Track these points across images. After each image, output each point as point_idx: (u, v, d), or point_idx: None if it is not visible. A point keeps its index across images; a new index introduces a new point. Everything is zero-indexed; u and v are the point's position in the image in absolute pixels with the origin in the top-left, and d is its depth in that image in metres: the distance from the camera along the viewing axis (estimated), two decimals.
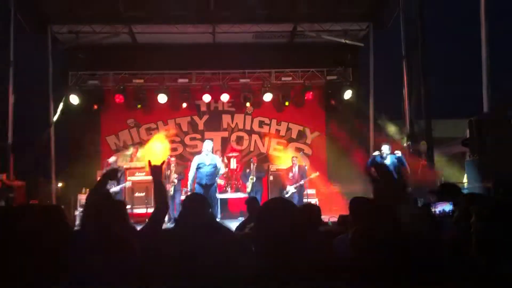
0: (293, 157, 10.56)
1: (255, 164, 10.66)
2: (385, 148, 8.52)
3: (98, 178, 3.14)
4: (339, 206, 12.02)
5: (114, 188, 8.97)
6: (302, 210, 4.03)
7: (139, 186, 10.14)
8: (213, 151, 10.82)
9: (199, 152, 9.12)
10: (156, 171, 3.03)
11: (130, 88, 12.09)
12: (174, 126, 12.79)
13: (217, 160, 8.63)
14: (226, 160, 11.49)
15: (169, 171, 10.11)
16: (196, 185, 8.47)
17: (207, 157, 8.38)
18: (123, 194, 9.73)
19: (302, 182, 10.12)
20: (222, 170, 8.94)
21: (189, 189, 10.59)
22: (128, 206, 10.23)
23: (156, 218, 2.80)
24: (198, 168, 8.38)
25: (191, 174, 8.74)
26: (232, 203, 11.62)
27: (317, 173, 10.27)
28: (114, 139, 12.58)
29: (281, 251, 1.78)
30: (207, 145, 8.44)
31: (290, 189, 10.21)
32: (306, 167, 10.22)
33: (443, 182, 7.96)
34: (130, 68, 11.96)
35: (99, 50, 11.57)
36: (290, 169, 10.42)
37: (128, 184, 9.46)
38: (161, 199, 2.88)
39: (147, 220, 2.85)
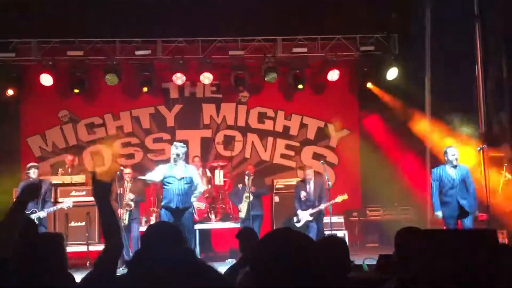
0: (306, 166, 10.58)
1: (252, 176, 10.68)
2: (452, 152, 8.52)
3: (14, 201, 3.09)
4: (378, 241, 12.17)
5: (39, 213, 8.99)
6: (320, 248, 4.06)
7: (77, 211, 10.15)
8: (188, 159, 10.89)
9: (167, 161, 9.14)
10: (101, 190, 2.97)
11: (63, 64, 12.12)
12: (129, 122, 12.83)
13: (194, 172, 8.64)
14: (208, 173, 11.50)
15: (121, 189, 10.09)
16: (162, 210, 8.49)
17: (179, 167, 8.39)
18: (50, 223, 9.73)
19: (322, 206, 10.14)
20: (202, 187, 8.94)
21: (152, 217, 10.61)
22: None
23: (105, 263, 2.80)
24: (165, 184, 8.39)
25: (148, 177, 8.74)
26: (218, 236, 11.63)
27: (346, 196, 10.23)
28: (39, 140, 12.65)
29: None
30: (179, 150, 8.45)
31: (304, 216, 10.23)
32: (329, 183, 10.19)
33: None
34: (63, 34, 12.00)
35: (15, 6, 11.59)
36: (303, 185, 10.44)
37: (61, 206, 9.43)
38: (112, 233, 2.87)
39: (93, 265, 2.85)
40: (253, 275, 1.96)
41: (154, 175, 8.55)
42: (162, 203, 8.49)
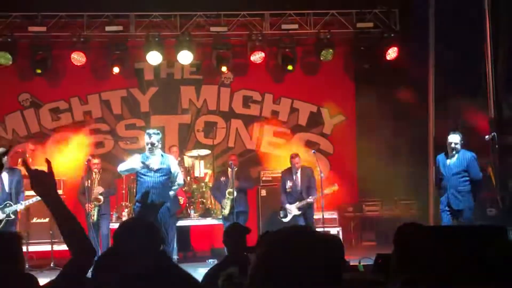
0: (292, 155, 10.48)
1: (236, 168, 10.63)
2: (455, 138, 8.54)
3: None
4: (375, 240, 12.22)
5: (16, 206, 8.92)
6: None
7: (40, 207, 10.00)
8: (165, 148, 10.82)
9: (141, 150, 9.07)
10: (41, 181, 2.74)
11: (24, 42, 11.98)
12: (98, 107, 12.72)
13: (173, 162, 8.57)
14: (187, 164, 11.44)
15: (88, 181, 10.01)
16: (135, 205, 8.43)
17: (154, 157, 8.31)
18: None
19: (310, 199, 10.16)
20: (181, 180, 8.87)
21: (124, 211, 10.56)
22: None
23: (74, 272, 2.69)
24: (139, 176, 8.32)
25: (124, 167, 8.55)
26: (198, 234, 11.62)
27: (336, 187, 10.27)
28: None
29: None
30: (153, 138, 8.35)
31: (291, 210, 10.23)
32: (322, 174, 10.17)
33: None
34: (24, 8, 11.84)
35: None
36: (289, 174, 10.41)
37: (24, 204, 9.23)
38: (74, 237, 2.72)
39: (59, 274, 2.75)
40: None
41: (132, 162, 8.40)
42: (135, 197, 8.42)
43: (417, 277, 2.90)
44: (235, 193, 10.29)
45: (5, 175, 9.09)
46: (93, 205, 9.84)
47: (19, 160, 11.24)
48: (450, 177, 8.49)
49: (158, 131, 8.49)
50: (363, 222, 12.34)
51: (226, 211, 10.43)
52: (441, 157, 8.72)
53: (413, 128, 11.87)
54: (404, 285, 2.94)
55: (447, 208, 8.50)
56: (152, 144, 8.22)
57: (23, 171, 9.50)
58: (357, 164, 12.85)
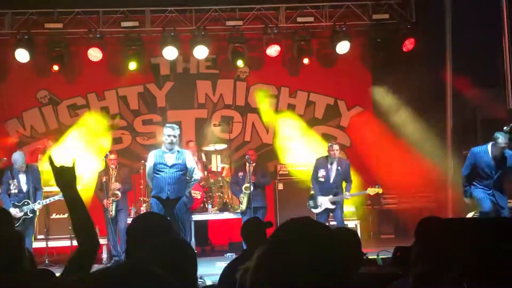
0: (331, 142, 10.15)
1: (253, 162, 10.62)
2: (504, 140, 8.16)
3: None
4: (393, 233, 12.15)
5: (33, 205, 9.01)
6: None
7: (59, 202, 10.11)
8: (182, 143, 10.84)
9: (158, 145, 9.09)
10: (64, 176, 2.77)
11: (41, 38, 12.05)
12: (115, 103, 12.79)
13: (188, 157, 8.56)
14: (204, 158, 11.45)
15: (105, 177, 10.07)
16: (152, 200, 8.45)
17: (170, 153, 8.32)
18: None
19: (348, 196, 9.80)
20: (198, 174, 8.87)
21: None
22: (41, 236, 10.28)
23: (79, 263, 2.74)
24: (155, 172, 8.33)
25: (148, 181, 8.74)
26: (216, 228, 11.64)
27: (380, 189, 9.97)
28: (16, 124, 12.60)
29: None
30: (171, 131, 8.36)
31: (323, 203, 9.78)
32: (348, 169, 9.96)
33: None
34: (40, 5, 11.90)
35: None
36: (324, 162, 9.95)
37: (58, 198, 9.23)
38: (84, 231, 2.79)
39: (64, 268, 2.79)
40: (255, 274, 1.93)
41: (148, 163, 8.46)
42: (152, 193, 8.44)
43: (436, 269, 2.88)
44: (252, 188, 10.26)
45: (22, 175, 9.18)
46: (110, 201, 9.90)
47: (39, 156, 11.37)
48: (495, 176, 8.29)
49: (178, 126, 8.51)
50: (381, 215, 12.28)
51: (244, 206, 10.41)
52: (480, 150, 8.43)
53: (430, 120, 11.78)
54: (421, 277, 2.92)
55: (489, 196, 8.29)
56: (174, 136, 8.22)
57: (41, 167, 9.63)
58: (375, 157, 12.77)
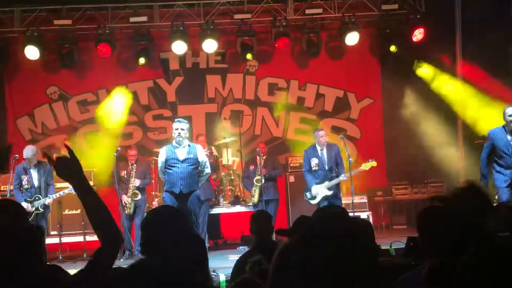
0: (317, 129, 10.01)
1: (264, 155, 10.60)
2: (510, 112, 8.04)
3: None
4: (405, 223, 12.10)
5: (44, 200, 9.04)
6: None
7: (72, 198, 10.12)
8: (193, 138, 10.85)
9: (169, 140, 9.09)
10: (63, 167, 2.69)
11: (50, 35, 12.08)
12: (126, 97, 12.78)
13: (200, 151, 8.57)
14: (215, 152, 11.46)
15: (124, 172, 10.12)
16: (164, 194, 8.46)
17: (181, 148, 8.32)
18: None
19: (343, 177, 9.49)
20: (209, 168, 8.86)
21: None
22: (54, 232, 10.33)
23: (101, 262, 2.70)
24: (167, 167, 8.32)
25: (161, 176, 8.76)
26: (228, 222, 11.64)
27: (374, 162, 9.74)
28: (27, 121, 12.65)
29: None
30: (178, 125, 8.36)
31: (320, 191, 9.51)
32: (350, 159, 9.76)
33: None
34: (49, 2, 11.93)
35: None
36: (313, 151, 9.71)
37: (68, 191, 9.22)
38: (102, 221, 2.74)
39: (88, 261, 2.77)
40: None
41: (160, 159, 8.49)
42: (164, 187, 8.45)
43: (446, 261, 2.85)
44: (263, 180, 10.25)
45: (34, 171, 9.24)
46: (130, 200, 9.97)
47: (53, 154, 11.41)
48: None
49: (187, 121, 8.52)
50: (393, 205, 12.24)
51: (255, 199, 10.42)
52: (497, 131, 8.23)
53: (441, 109, 11.72)
54: (431, 270, 2.90)
55: (505, 185, 8.13)
56: (182, 130, 8.23)
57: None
58: (385, 148, 12.72)
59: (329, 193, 9.48)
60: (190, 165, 8.29)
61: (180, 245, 3.01)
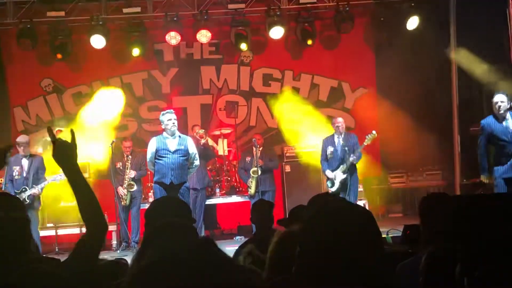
0: (334, 117, 10.01)
1: (260, 146, 10.57)
2: (499, 98, 7.90)
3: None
4: (402, 211, 12.13)
5: (31, 190, 8.97)
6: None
7: (68, 190, 10.10)
8: (188, 129, 10.81)
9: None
10: (62, 150, 2.64)
11: (43, 28, 11.96)
12: (119, 88, 12.71)
13: (190, 143, 8.53)
14: (210, 142, 11.41)
15: (120, 164, 10.08)
16: (154, 186, 8.45)
17: (172, 138, 8.28)
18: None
19: (352, 157, 9.28)
20: (198, 161, 8.79)
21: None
22: (50, 225, 10.30)
23: (85, 249, 2.67)
24: (158, 157, 8.29)
25: (150, 165, 8.68)
26: (224, 212, 11.63)
27: (375, 133, 9.56)
28: (21, 113, 12.59)
29: None
30: (173, 116, 8.33)
31: (336, 176, 9.33)
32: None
33: None
34: None
35: None
36: (330, 139, 9.63)
37: (52, 180, 9.21)
38: (90, 212, 2.71)
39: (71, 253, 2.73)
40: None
41: (150, 153, 8.44)
42: (154, 179, 8.45)
43: (444, 248, 2.84)
44: (259, 172, 10.23)
45: (25, 161, 9.20)
46: (126, 192, 9.95)
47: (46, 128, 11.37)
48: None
49: (172, 112, 8.48)
50: (389, 194, 12.24)
51: (252, 190, 10.40)
52: (489, 120, 8.06)
53: (436, 97, 11.71)
54: (430, 257, 2.89)
55: (504, 176, 7.93)
56: (175, 119, 8.22)
57: (45, 158, 9.61)
58: (380, 136, 12.69)
59: (344, 176, 9.29)
60: (181, 156, 8.31)
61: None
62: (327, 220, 1.84)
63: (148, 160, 8.60)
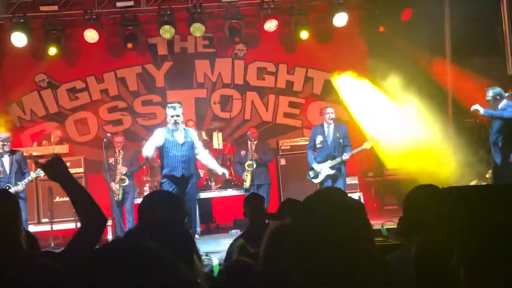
0: (324, 106, 10.05)
1: (255, 140, 10.56)
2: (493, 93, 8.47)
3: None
4: (397, 203, 12.10)
5: (15, 188, 8.89)
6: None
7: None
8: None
9: (160, 125, 9.04)
10: (57, 169, 2.80)
11: (37, 22, 11.89)
12: (114, 85, 12.71)
13: (195, 136, 8.51)
14: (205, 136, 11.40)
15: (112, 159, 10.05)
16: (164, 180, 8.38)
17: (179, 131, 8.21)
18: (32, 199, 9.66)
19: (345, 156, 9.36)
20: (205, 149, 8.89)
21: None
22: (45, 220, 10.28)
23: (83, 241, 2.67)
24: (166, 151, 8.20)
25: (148, 150, 8.35)
26: (220, 206, 11.62)
27: (377, 140, 9.76)
28: (16, 109, 12.55)
29: None
30: (178, 110, 8.24)
31: (323, 170, 9.39)
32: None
33: None
34: None
35: None
36: (320, 128, 9.69)
37: (35, 176, 9.09)
38: (87, 207, 2.73)
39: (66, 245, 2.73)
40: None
41: (156, 140, 8.26)
42: (163, 172, 8.33)
43: (435, 239, 2.83)
44: (254, 165, 10.23)
45: (6, 158, 9.11)
46: (118, 187, 9.94)
47: (43, 141, 11.36)
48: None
49: (180, 104, 8.42)
50: (384, 186, 12.23)
51: (247, 184, 10.40)
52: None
53: (430, 89, 11.68)
54: (419, 248, 2.89)
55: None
56: (178, 116, 8.14)
57: (25, 152, 9.61)
58: (374, 130, 12.67)
59: (331, 172, 9.36)
60: (189, 149, 8.27)
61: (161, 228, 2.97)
62: (318, 212, 1.84)
63: (148, 142, 8.36)
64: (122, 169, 9.99)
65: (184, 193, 8.07)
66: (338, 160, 9.36)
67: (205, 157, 8.62)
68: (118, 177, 9.97)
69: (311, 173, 9.59)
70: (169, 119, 8.20)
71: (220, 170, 8.83)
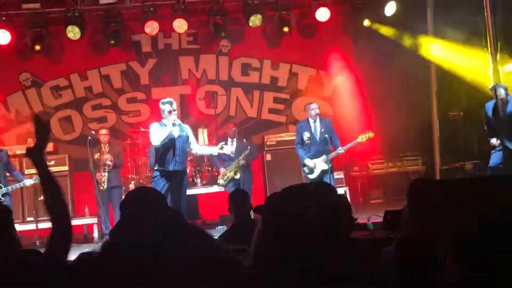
0: (308, 102, 9.89)
1: (235, 136, 10.54)
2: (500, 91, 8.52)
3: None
4: (383, 197, 12.18)
5: (3, 189, 8.80)
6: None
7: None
8: None
9: (145, 122, 8.98)
10: (41, 132, 2.76)
11: (19, 20, 11.75)
12: (98, 82, 12.62)
13: (189, 130, 8.47)
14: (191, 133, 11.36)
15: (98, 155, 10.03)
16: (156, 174, 8.26)
17: (175, 126, 8.13)
18: (17, 197, 9.62)
19: (340, 150, 9.29)
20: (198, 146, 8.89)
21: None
22: (30, 219, 10.19)
23: (54, 247, 2.62)
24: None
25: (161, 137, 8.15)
26: (206, 202, 11.58)
27: (372, 133, 9.58)
28: (1, 107, 12.41)
29: None
30: (174, 105, 8.20)
31: (318, 165, 9.32)
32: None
33: None
34: None
35: None
36: (306, 124, 9.60)
37: (23, 184, 9.14)
38: (55, 213, 2.67)
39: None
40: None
41: (160, 130, 8.13)
42: (156, 166, 8.28)
43: (428, 229, 2.83)
44: (240, 162, 10.19)
45: None
46: (102, 173, 9.88)
47: (28, 139, 11.26)
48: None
49: (172, 100, 8.32)
50: (369, 180, 12.28)
51: (222, 181, 10.37)
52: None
53: (414, 82, 11.72)
54: (400, 240, 2.89)
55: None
56: (175, 111, 8.11)
57: (10, 151, 9.52)
58: (358, 124, 12.70)
59: (327, 167, 9.30)
60: (184, 143, 8.22)
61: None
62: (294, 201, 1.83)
63: (156, 134, 8.15)
64: (107, 156, 9.98)
65: (177, 188, 8.07)
66: (333, 154, 9.30)
67: (197, 148, 8.61)
68: (102, 163, 9.94)
69: (305, 169, 9.47)
70: (167, 115, 8.09)
71: (215, 148, 8.71)
